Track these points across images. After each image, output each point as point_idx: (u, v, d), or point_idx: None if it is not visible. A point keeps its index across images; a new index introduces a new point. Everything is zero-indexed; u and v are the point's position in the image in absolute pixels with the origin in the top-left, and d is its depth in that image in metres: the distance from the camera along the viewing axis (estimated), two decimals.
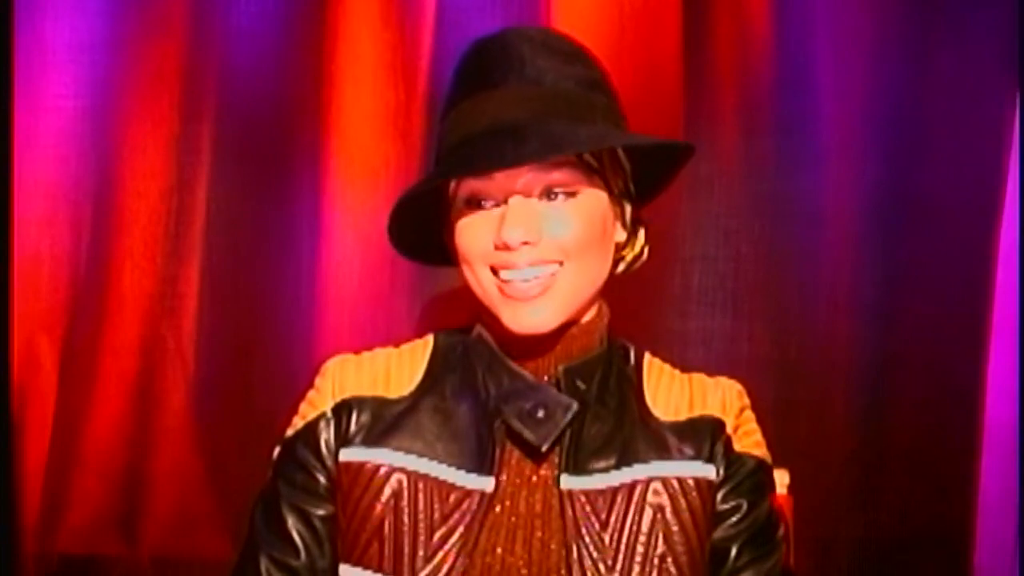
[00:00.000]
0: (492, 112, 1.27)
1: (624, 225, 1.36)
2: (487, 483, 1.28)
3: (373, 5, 1.94)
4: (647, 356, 1.42)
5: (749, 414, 1.40)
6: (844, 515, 1.89)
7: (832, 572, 1.88)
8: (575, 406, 1.31)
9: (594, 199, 1.30)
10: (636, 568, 1.27)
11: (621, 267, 1.40)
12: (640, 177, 1.37)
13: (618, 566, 1.27)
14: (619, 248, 1.37)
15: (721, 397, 1.39)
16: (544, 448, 1.29)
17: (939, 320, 1.88)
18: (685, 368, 1.43)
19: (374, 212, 1.92)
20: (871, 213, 1.91)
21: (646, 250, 1.41)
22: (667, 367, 1.43)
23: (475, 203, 1.29)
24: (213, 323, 1.95)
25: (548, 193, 1.28)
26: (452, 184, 1.32)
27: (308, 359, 1.81)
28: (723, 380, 1.42)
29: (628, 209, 1.37)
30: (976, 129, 1.88)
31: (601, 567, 1.26)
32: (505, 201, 1.27)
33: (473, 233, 1.29)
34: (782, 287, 1.92)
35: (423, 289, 1.93)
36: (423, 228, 1.39)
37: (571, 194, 1.28)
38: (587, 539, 1.27)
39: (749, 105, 1.93)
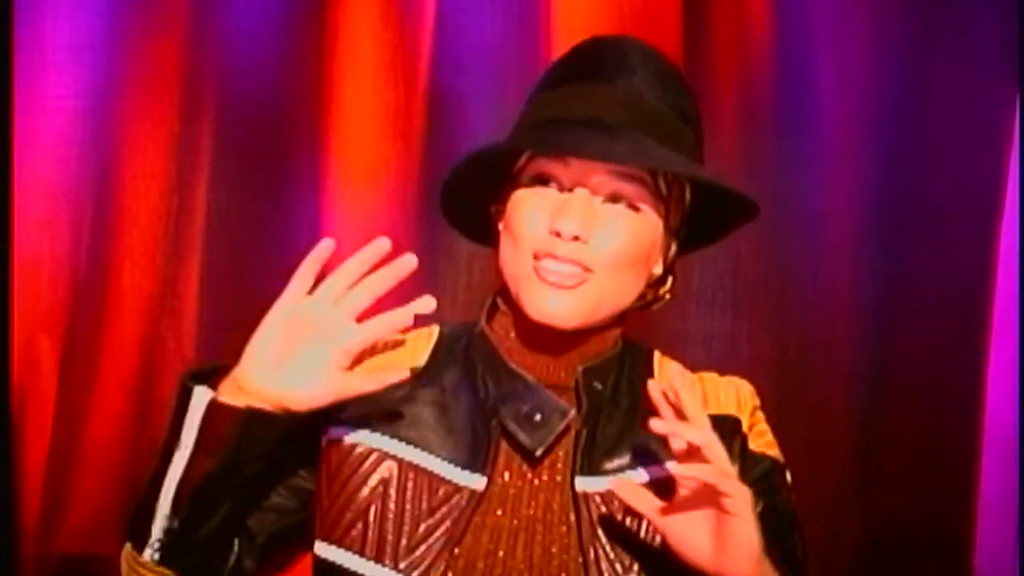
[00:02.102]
0: (594, 105, 1.28)
1: (665, 261, 1.36)
2: (479, 482, 1.28)
3: (373, 5, 1.94)
4: (657, 354, 1.43)
5: (760, 414, 1.41)
6: (844, 515, 1.89)
7: (832, 572, 1.88)
8: (572, 412, 1.30)
9: (652, 222, 1.30)
10: (653, 569, 1.27)
11: (638, 304, 1.38)
12: (692, 224, 1.37)
13: (635, 567, 1.26)
14: (650, 282, 1.36)
15: (735, 395, 1.39)
16: (538, 453, 1.29)
17: (939, 320, 1.88)
18: (690, 369, 1.43)
19: (374, 212, 1.92)
20: (871, 213, 1.91)
21: (667, 296, 1.40)
22: (678, 366, 1.43)
23: (541, 183, 1.28)
24: (213, 323, 1.94)
25: (613, 198, 1.28)
26: (522, 159, 1.32)
27: None
28: (735, 379, 1.42)
29: (673, 248, 1.36)
30: (976, 129, 1.89)
31: (618, 567, 1.26)
32: (570, 190, 1.27)
33: (530, 211, 1.28)
34: (782, 287, 1.92)
35: (423, 289, 1.91)
36: (473, 196, 1.38)
37: (634, 208, 1.28)
38: (603, 540, 1.27)
39: (749, 105, 1.93)
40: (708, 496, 1.17)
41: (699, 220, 1.38)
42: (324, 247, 1.27)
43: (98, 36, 1.95)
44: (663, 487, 1.29)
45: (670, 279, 1.39)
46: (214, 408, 1.22)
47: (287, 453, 1.33)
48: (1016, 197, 1.87)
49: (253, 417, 1.22)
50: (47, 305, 1.94)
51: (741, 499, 1.16)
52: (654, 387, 1.22)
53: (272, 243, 1.95)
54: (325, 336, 1.24)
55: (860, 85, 1.91)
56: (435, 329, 1.42)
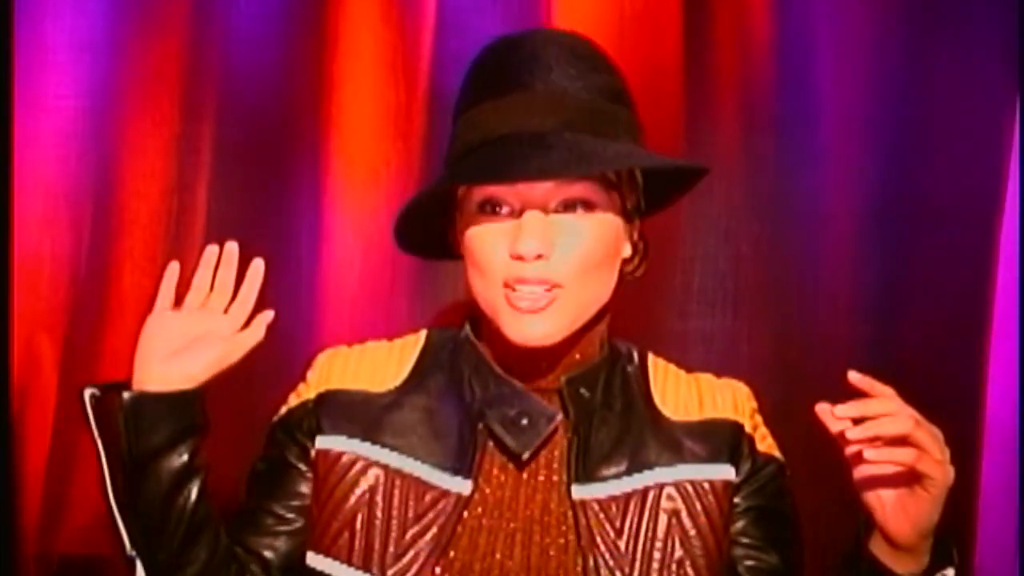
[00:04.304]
0: (516, 117, 1.25)
1: (632, 241, 1.34)
2: (465, 486, 1.28)
3: (373, 5, 1.94)
4: (651, 356, 1.42)
5: (759, 417, 1.41)
6: (844, 515, 1.89)
7: (832, 573, 1.88)
8: (559, 417, 1.30)
9: (609, 216, 1.28)
10: (654, 574, 1.26)
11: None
12: (647, 192, 1.36)
13: (635, 573, 1.26)
14: (624, 264, 1.35)
15: (732, 398, 1.39)
16: (525, 456, 1.28)
17: (939, 320, 1.88)
18: (687, 369, 1.43)
19: (374, 212, 1.92)
20: (871, 213, 1.91)
21: (644, 264, 1.39)
22: (672, 367, 1.42)
23: (488, 209, 1.26)
24: None
25: (566, 206, 1.26)
26: (463, 186, 1.30)
27: (308, 359, 1.80)
28: (731, 381, 1.42)
29: (636, 225, 1.35)
30: (976, 129, 1.88)
31: (618, 574, 1.25)
32: (521, 209, 1.25)
33: (488, 242, 1.26)
34: (782, 287, 1.92)
35: (423, 290, 1.93)
36: (425, 222, 1.37)
37: (588, 209, 1.26)
38: (602, 547, 1.26)
39: (749, 105, 1.93)
40: (908, 475, 1.17)
41: (654, 185, 1.36)
42: (172, 269, 1.38)
43: (98, 36, 1.95)
44: (661, 493, 1.29)
45: (642, 248, 1.38)
46: (97, 401, 1.28)
47: (285, 473, 1.34)
48: (1016, 197, 1.87)
49: (138, 398, 1.26)
50: (47, 305, 1.94)
51: (944, 486, 1.18)
52: (842, 410, 1.19)
53: (272, 243, 1.95)
54: (203, 334, 1.31)
55: (860, 85, 1.91)
56: (422, 335, 1.42)
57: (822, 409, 1.17)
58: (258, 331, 1.32)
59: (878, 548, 1.21)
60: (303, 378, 1.42)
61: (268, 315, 1.34)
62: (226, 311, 1.33)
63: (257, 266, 1.34)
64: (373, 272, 1.93)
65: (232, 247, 1.35)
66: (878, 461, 1.16)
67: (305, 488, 1.35)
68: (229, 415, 1.93)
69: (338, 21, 1.93)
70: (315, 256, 1.93)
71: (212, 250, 1.35)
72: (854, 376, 1.19)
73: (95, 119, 1.95)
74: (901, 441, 1.15)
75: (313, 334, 1.92)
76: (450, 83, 1.92)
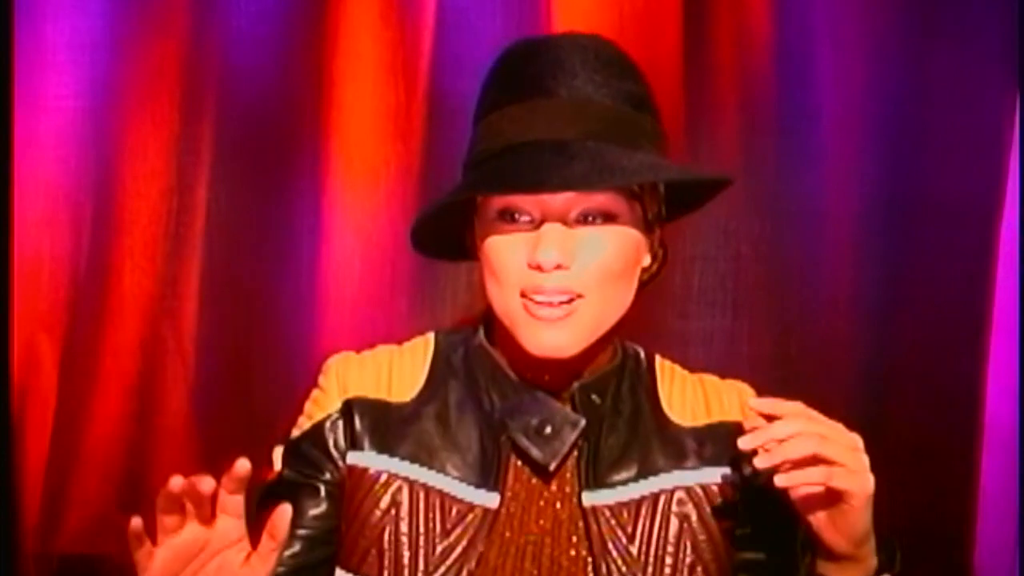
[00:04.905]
0: (539, 124, 1.22)
1: (652, 250, 1.33)
2: (492, 499, 1.26)
3: (373, 5, 1.94)
4: (658, 359, 1.41)
5: (762, 419, 1.40)
6: None
7: None
8: (582, 422, 1.28)
9: (631, 225, 1.25)
10: None
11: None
12: (669, 198, 1.35)
13: None
14: (643, 273, 1.34)
15: (738, 399, 1.38)
16: (552, 467, 1.27)
17: (939, 320, 1.88)
18: (689, 370, 1.43)
19: (374, 212, 1.92)
20: (871, 213, 1.91)
21: (662, 270, 1.38)
22: (678, 369, 1.41)
23: (508, 217, 1.23)
24: (213, 323, 1.95)
25: (586, 216, 1.23)
26: None
27: (308, 359, 1.81)
28: (736, 382, 1.41)
29: (657, 234, 1.34)
30: (976, 129, 1.89)
31: None
32: (541, 219, 1.22)
33: (507, 250, 1.23)
34: (782, 287, 1.92)
35: (423, 290, 1.93)
36: (441, 224, 1.35)
37: (609, 220, 1.24)
38: (614, 553, 1.25)
39: (749, 105, 1.93)
40: (830, 491, 1.14)
41: (675, 192, 1.34)
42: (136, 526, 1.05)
43: (98, 36, 1.95)
44: (671, 498, 1.29)
45: (660, 253, 1.36)
46: None
47: (315, 495, 1.31)
48: (1016, 197, 1.87)
49: None
50: (47, 305, 1.94)
51: (865, 496, 1.14)
52: (745, 441, 1.16)
53: (272, 243, 1.95)
54: (207, 554, 1.09)
55: (860, 85, 1.91)
56: (431, 338, 1.40)
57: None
58: (283, 527, 1.08)
59: (821, 564, 1.21)
60: (316, 384, 1.39)
61: (287, 511, 1.08)
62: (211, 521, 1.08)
63: (241, 467, 1.07)
64: (373, 272, 1.93)
65: (208, 483, 1.05)
66: (790, 486, 1.15)
67: (336, 509, 1.32)
68: (229, 415, 1.94)
69: (338, 21, 1.93)
70: (315, 256, 1.93)
71: (177, 483, 1.03)
72: (753, 402, 1.17)
73: (95, 119, 1.95)
74: (812, 460, 1.13)
75: (313, 333, 1.92)
76: (450, 83, 1.94)
